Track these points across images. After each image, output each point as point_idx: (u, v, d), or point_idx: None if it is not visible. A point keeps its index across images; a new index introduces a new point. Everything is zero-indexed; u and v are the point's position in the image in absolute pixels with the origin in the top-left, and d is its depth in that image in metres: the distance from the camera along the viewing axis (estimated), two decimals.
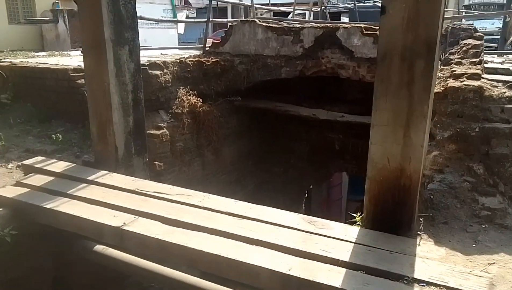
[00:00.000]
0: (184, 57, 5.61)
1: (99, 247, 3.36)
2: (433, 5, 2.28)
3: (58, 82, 5.14)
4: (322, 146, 6.92)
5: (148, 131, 4.39)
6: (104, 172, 3.60)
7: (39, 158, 3.88)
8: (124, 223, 2.79)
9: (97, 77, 3.67)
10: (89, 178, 3.47)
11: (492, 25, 14.35)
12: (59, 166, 3.73)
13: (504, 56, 5.87)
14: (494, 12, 10.18)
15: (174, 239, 2.58)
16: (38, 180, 3.47)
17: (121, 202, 3.07)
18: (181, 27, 18.10)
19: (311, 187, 8.58)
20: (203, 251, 2.46)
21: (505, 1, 17.92)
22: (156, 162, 4.51)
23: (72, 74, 5.01)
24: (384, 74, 2.48)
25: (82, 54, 3.87)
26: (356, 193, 10.98)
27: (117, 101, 3.71)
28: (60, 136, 4.58)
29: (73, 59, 6.48)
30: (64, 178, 3.52)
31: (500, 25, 14.79)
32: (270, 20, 6.83)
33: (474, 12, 8.97)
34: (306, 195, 8.54)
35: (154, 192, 3.24)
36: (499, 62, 4.63)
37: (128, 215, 2.91)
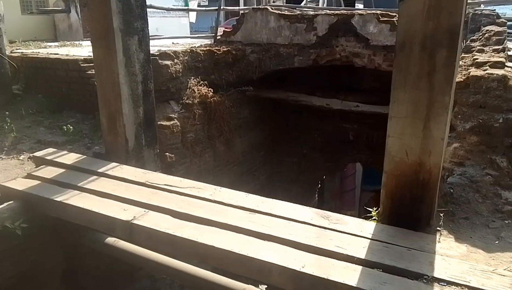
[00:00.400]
0: (195, 47, 5.52)
1: (110, 240, 3.35)
2: None
3: (69, 72, 5.10)
4: (336, 136, 6.80)
5: (158, 122, 4.33)
6: (114, 164, 3.55)
7: (50, 150, 3.85)
8: (134, 217, 2.74)
9: (106, 68, 3.61)
10: (100, 170, 3.43)
11: (511, 10, 13.88)
12: (70, 158, 3.70)
13: None
14: None
15: (185, 234, 2.52)
16: (49, 172, 3.44)
17: (131, 195, 3.02)
18: (192, 16, 17.97)
19: (324, 177, 8.47)
20: (214, 246, 2.40)
21: None
22: (167, 154, 4.46)
23: (82, 65, 4.97)
24: (403, 64, 2.35)
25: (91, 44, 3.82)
26: (370, 183, 10.85)
27: (127, 92, 3.66)
28: (71, 127, 4.56)
29: (84, 49, 6.44)
30: (74, 170, 3.49)
31: None
32: (283, 8, 6.67)
33: None
34: (319, 185, 8.45)
35: (164, 184, 3.18)
36: None
37: (138, 208, 2.86)
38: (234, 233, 2.53)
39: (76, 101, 5.10)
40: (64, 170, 3.48)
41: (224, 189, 3.11)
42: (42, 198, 3.05)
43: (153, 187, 3.16)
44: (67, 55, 5.55)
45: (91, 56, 4.77)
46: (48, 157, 3.67)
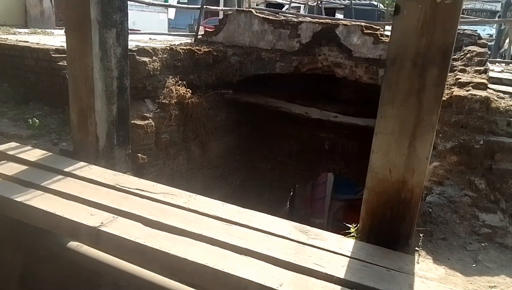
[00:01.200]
0: (175, 45, 5.35)
1: (73, 244, 3.13)
2: (452, 8, 2.10)
3: (38, 62, 4.82)
4: (312, 145, 6.78)
5: (132, 121, 4.14)
6: (83, 163, 3.35)
7: (13, 144, 3.59)
8: (102, 223, 2.56)
9: (80, 61, 3.40)
10: (66, 169, 3.22)
11: (483, 31, 14.41)
12: (35, 154, 3.45)
13: (498, 64, 5.81)
14: (496, 19, 10.14)
15: (156, 244, 2.37)
16: (10, 168, 3.19)
17: (100, 199, 2.83)
18: (171, 12, 17.67)
19: (296, 185, 8.45)
20: (187, 259, 2.26)
21: (497, 8, 18.07)
22: (139, 155, 4.27)
23: (53, 55, 4.70)
24: (393, 80, 2.30)
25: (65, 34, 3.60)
26: (340, 192, 10.95)
27: (101, 87, 3.46)
28: (37, 120, 4.28)
29: (56, 39, 6.13)
30: (39, 168, 3.25)
31: (491, 32, 14.92)
32: (266, 12, 6.59)
33: (474, 18, 8.89)
34: (292, 193, 8.41)
35: (136, 189, 3.01)
36: (499, 71, 4.52)
37: (107, 213, 2.68)
38: (209, 245, 2.40)
39: (45, 93, 4.82)
40: (27, 167, 3.23)
41: (200, 197, 2.97)
42: (1, 197, 2.81)
43: (124, 191, 2.98)
44: (37, 43, 5.25)
45: (63, 46, 4.53)
46: (10, 152, 3.41)
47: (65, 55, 4.01)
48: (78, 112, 3.53)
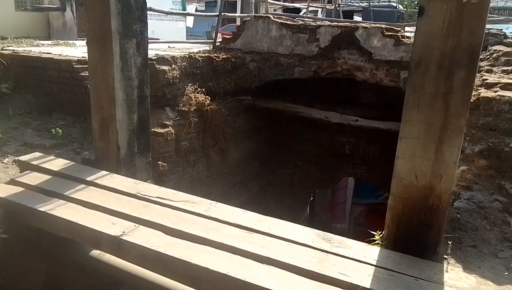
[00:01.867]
0: (193, 52, 5.37)
1: (95, 252, 3.16)
2: (478, 8, 2.02)
3: (61, 73, 4.91)
4: (332, 149, 6.68)
5: (152, 129, 4.16)
6: (104, 172, 3.37)
7: (37, 154, 3.66)
8: (124, 232, 2.56)
9: (101, 71, 3.44)
10: (88, 178, 3.25)
11: (507, 30, 14.03)
12: (57, 163, 3.51)
13: None
14: None
15: (177, 253, 2.35)
16: (33, 178, 3.25)
17: (121, 208, 2.84)
18: (190, 20, 17.86)
19: (317, 190, 8.35)
20: (208, 268, 2.24)
21: None
22: (160, 162, 4.28)
23: (75, 66, 4.78)
24: (418, 83, 2.23)
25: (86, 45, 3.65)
26: (361, 196, 10.76)
27: (122, 97, 3.49)
28: (60, 130, 4.36)
29: (78, 50, 6.25)
30: (61, 177, 3.30)
31: None
32: (284, 17, 6.57)
33: (499, 17, 8.64)
34: (312, 198, 8.31)
35: (156, 197, 3.01)
36: None
37: (128, 222, 2.68)
38: (230, 254, 2.37)
39: (67, 103, 4.90)
40: (50, 176, 3.29)
41: (220, 205, 2.95)
42: (25, 207, 2.85)
43: (145, 199, 2.99)
44: (60, 55, 5.36)
45: (85, 57, 4.60)
46: (34, 162, 3.47)
47: (87, 66, 4.07)
48: (99, 121, 3.57)
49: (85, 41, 3.65)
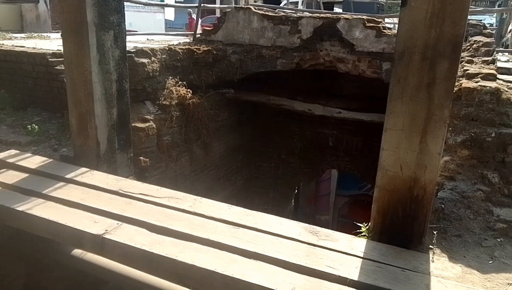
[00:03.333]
0: (173, 45, 5.26)
1: (78, 252, 3.07)
2: None
3: (35, 67, 4.73)
4: (315, 141, 6.69)
5: (133, 124, 4.07)
6: (84, 169, 3.27)
7: (13, 151, 3.52)
8: (106, 230, 2.49)
9: (77, 64, 3.32)
10: (68, 176, 3.14)
11: (484, 21, 14.28)
12: (35, 161, 3.38)
13: (502, 53, 5.72)
14: (498, 8, 10.04)
15: (163, 251, 2.30)
16: (10, 177, 3.13)
17: (103, 205, 2.76)
18: (170, 13, 17.52)
19: (301, 184, 8.37)
20: (195, 265, 2.19)
21: None
22: (141, 158, 4.19)
23: (50, 59, 4.61)
24: (402, 74, 2.22)
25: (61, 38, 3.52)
26: (344, 188, 10.84)
27: (100, 91, 3.39)
28: (36, 126, 4.21)
29: (53, 42, 6.04)
30: (39, 175, 3.19)
31: (491, 21, 14.80)
32: (265, 8, 6.50)
33: (476, 8, 8.79)
34: (296, 191, 8.33)
35: (139, 193, 2.94)
36: (505, 61, 4.44)
37: (111, 220, 2.61)
38: (217, 250, 2.33)
39: (43, 98, 4.74)
40: (27, 175, 3.17)
41: (205, 200, 2.90)
42: (2, 207, 2.74)
43: (127, 196, 2.91)
44: (34, 48, 5.17)
45: (60, 50, 4.45)
46: (10, 160, 3.34)
47: (62, 59, 3.93)
48: (77, 116, 3.46)
49: (60, 33, 3.52)
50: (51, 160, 3.47)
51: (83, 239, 2.52)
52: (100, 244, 2.45)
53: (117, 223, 2.57)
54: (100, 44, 3.30)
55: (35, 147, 3.92)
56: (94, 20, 3.22)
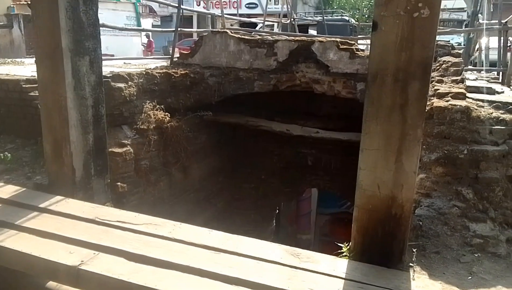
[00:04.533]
0: (150, 69, 5.26)
1: (52, 284, 2.95)
2: (429, 22, 2.11)
3: (8, 93, 4.64)
4: (295, 161, 6.74)
5: (110, 149, 4.01)
6: (59, 197, 3.18)
7: None
8: (82, 261, 2.41)
9: (52, 91, 3.28)
10: (42, 205, 3.05)
11: (452, 40, 14.88)
12: (7, 190, 3.28)
13: (470, 72, 5.94)
14: (465, 29, 10.49)
15: (141, 280, 2.24)
16: None
17: (79, 235, 2.68)
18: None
19: (282, 203, 8.36)
20: None
21: (464, 18, 18.76)
22: (119, 183, 4.12)
23: (24, 86, 4.53)
24: (375, 96, 2.28)
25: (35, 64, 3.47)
26: (325, 206, 10.88)
27: (75, 117, 3.33)
28: (9, 154, 4.09)
29: (27, 68, 5.96)
30: (12, 205, 3.08)
31: (459, 41, 15.44)
32: (241, 32, 6.60)
33: (445, 28, 9.16)
34: (277, 211, 8.31)
35: (117, 221, 2.87)
36: (473, 79, 4.61)
37: (87, 250, 2.53)
38: (197, 277, 2.28)
39: (16, 125, 4.63)
40: None
41: (185, 225, 2.85)
42: None
43: (104, 224, 2.84)
44: (7, 74, 5.07)
45: (34, 76, 4.38)
46: None
47: (37, 85, 3.87)
48: (52, 143, 3.38)
49: (34, 59, 3.48)
50: (24, 189, 3.36)
51: (58, 271, 2.43)
52: (76, 275, 2.37)
53: (94, 253, 2.50)
54: (76, 69, 3.27)
55: (7, 176, 3.80)
56: (69, 45, 3.20)
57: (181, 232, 2.73)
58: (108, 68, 5.33)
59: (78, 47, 3.27)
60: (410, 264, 2.45)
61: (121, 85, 4.44)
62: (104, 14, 14.37)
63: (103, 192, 3.70)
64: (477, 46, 8.37)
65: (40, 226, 2.77)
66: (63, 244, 2.59)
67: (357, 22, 14.69)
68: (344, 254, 2.68)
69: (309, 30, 13.66)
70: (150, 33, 14.00)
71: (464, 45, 10.52)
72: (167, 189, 5.16)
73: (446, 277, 2.39)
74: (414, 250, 2.51)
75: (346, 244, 2.70)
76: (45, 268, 2.47)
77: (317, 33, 11.39)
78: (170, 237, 2.66)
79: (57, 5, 3.09)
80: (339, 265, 2.44)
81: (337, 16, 14.28)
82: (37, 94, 4.02)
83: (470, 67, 7.87)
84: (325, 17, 12.07)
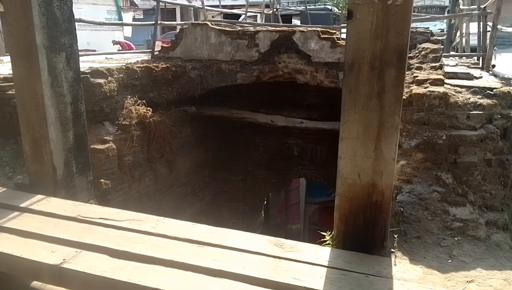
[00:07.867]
0: (131, 63, 5.19)
1: (37, 284, 2.93)
2: (403, 10, 2.12)
3: None
4: (281, 152, 6.75)
5: (91, 146, 3.96)
6: (40, 196, 3.14)
7: None
8: (64, 259, 2.39)
9: (28, 89, 3.22)
10: (23, 205, 3.01)
11: (435, 27, 14.99)
12: None
13: (451, 58, 6.00)
14: (446, 15, 10.55)
15: (125, 276, 2.23)
16: None
17: (61, 233, 2.66)
18: (128, 30, 17.32)
19: (269, 194, 8.39)
20: (159, 289, 2.14)
21: (446, 4, 18.89)
22: (102, 180, 4.08)
23: (1, 84, 4.45)
24: (353, 84, 2.29)
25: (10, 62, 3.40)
26: (313, 195, 10.97)
27: (54, 114, 3.28)
28: None
29: (5, 66, 5.82)
30: None
31: (442, 27, 15.56)
32: (223, 23, 6.55)
33: (425, 15, 9.21)
34: (266, 202, 8.34)
35: (99, 218, 2.85)
36: (453, 65, 4.66)
37: (69, 248, 2.51)
38: (181, 271, 2.28)
39: None
40: None
41: (168, 220, 2.84)
42: None
43: (86, 221, 2.81)
44: None
45: (11, 74, 4.29)
46: None
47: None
48: (31, 142, 3.33)
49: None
50: (5, 189, 3.32)
51: (41, 271, 2.41)
52: (58, 274, 2.35)
53: (76, 251, 2.48)
54: (52, 66, 3.21)
55: None
56: (44, 42, 3.14)
57: (164, 227, 2.72)
58: (88, 63, 5.25)
59: (53, 44, 3.21)
60: (392, 249, 2.48)
61: (101, 80, 4.38)
62: (84, 9, 14.13)
63: (86, 190, 3.67)
64: (458, 32, 8.45)
65: (21, 226, 2.74)
66: (45, 243, 2.56)
67: (340, 11, 14.70)
68: (328, 242, 2.70)
69: (292, 20, 13.63)
70: (124, 34, 13.64)
71: (446, 31, 10.61)
72: (153, 184, 5.13)
73: (427, 261, 2.44)
74: (396, 235, 2.54)
75: (329, 233, 2.72)
76: (27, 268, 2.45)
77: (301, 23, 11.36)
78: (153, 232, 2.66)
79: (30, 1, 3.02)
80: (322, 253, 2.46)
81: (320, 5, 14.28)
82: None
83: (452, 53, 7.94)
84: (308, 7, 12.05)
